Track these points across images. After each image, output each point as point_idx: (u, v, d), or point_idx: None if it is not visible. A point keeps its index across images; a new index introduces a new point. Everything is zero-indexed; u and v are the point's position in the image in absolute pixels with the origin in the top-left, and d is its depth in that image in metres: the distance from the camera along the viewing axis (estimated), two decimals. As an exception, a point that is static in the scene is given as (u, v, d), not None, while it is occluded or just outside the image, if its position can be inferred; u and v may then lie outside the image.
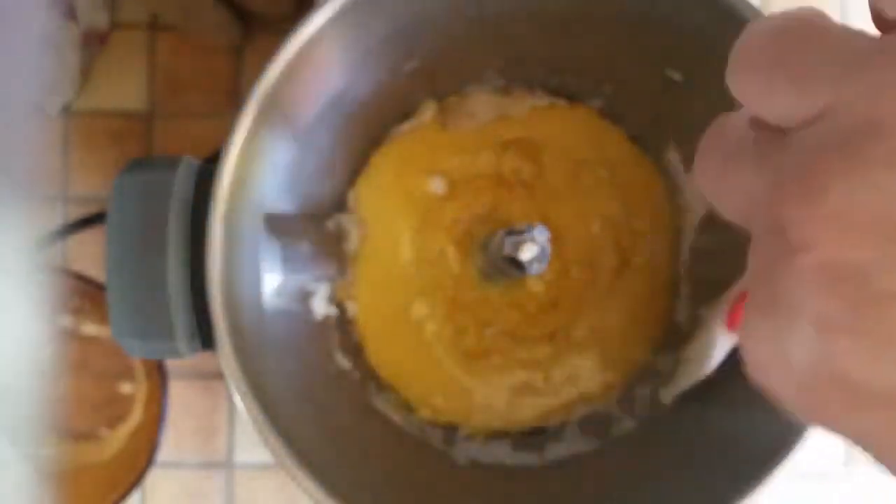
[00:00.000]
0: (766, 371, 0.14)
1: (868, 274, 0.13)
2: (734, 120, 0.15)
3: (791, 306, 0.13)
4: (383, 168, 0.36)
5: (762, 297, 0.14)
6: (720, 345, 0.29)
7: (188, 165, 0.27)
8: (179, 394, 0.38)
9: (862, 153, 0.12)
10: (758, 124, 0.14)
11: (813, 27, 0.13)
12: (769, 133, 0.14)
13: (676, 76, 0.32)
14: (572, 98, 0.36)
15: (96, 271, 0.36)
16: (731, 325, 0.27)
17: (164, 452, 0.36)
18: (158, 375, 0.35)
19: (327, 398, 0.33)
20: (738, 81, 0.14)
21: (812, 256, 0.13)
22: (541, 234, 0.31)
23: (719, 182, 0.15)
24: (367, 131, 0.35)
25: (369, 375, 0.36)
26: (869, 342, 0.13)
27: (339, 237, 0.36)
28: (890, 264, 0.12)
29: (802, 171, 0.13)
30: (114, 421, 0.38)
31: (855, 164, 0.12)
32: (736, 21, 0.28)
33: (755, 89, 0.14)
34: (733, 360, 0.29)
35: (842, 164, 0.12)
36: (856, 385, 0.13)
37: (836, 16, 0.41)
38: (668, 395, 0.34)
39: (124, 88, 0.39)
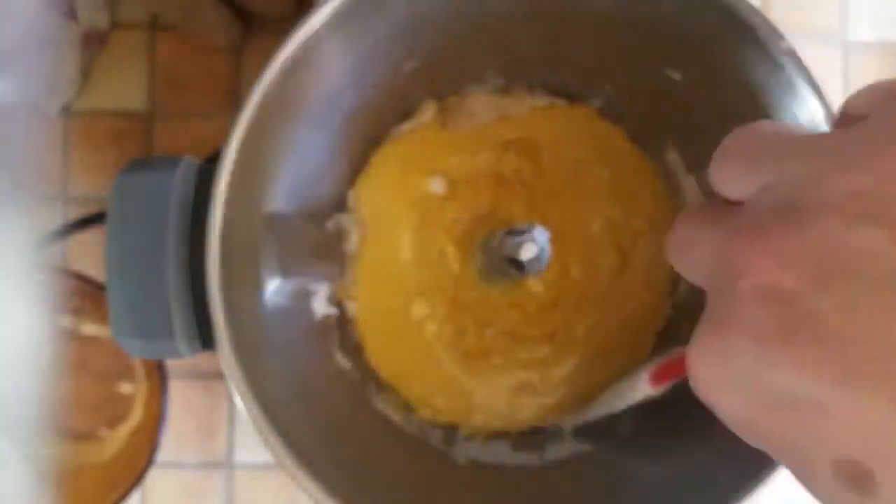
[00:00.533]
0: (713, 387, 0.18)
1: (796, 295, 0.16)
2: (698, 207, 0.20)
3: (734, 322, 0.17)
4: (383, 168, 0.36)
5: (711, 322, 0.18)
6: (632, 394, 0.30)
7: (188, 165, 0.27)
8: (179, 394, 0.38)
9: (794, 207, 0.16)
10: (720, 202, 0.19)
11: (757, 132, 0.19)
12: (729, 206, 0.19)
13: (676, 76, 0.32)
14: (572, 98, 0.36)
15: (96, 271, 0.36)
16: (654, 380, 0.29)
17: (164, 452, 0.36)
18: (158, 375, 0.35)
19: (327, 398, 0.33)
20: (712, 170, 0.19)
21: (751, 280, 0.16)
22: (541, 234, 0.31)
23: (687, 249, 0.20)
24: (367, 131, 0.35)
25: (369, 375, 0.36)
26: (795, 353, 0.16)
27: (339, 237, 0.36)
28: (813, 288, 0.16)
29: (749, 221, 0.17)
30: (114, 421, 0.38)
31: (788, 215, 0.16)
32: (736, 21, 0.28)
33: (722, 174, 0.19)
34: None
35: (778, 214, 0.17)
36: (781, 392, 0.16)
37: (835, 16, 0.41)
38: (570, 424, 0.35)
39: (124, 88, 0.39)
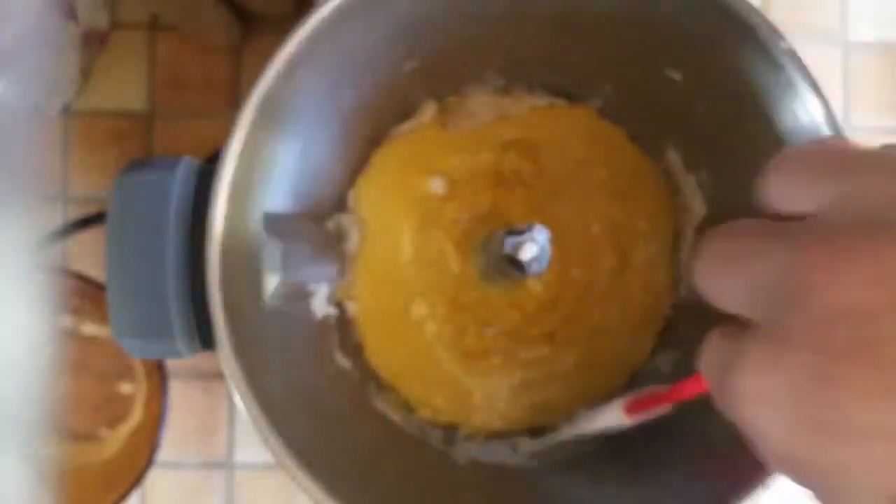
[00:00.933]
0: (754, 400, 0.16)
1: (880, 316, 0.15)
2: (743, 222, 0.18)
3: (800, 336, 0.15)
4: (383, 168, 0.36)
5: (768, 334, 0.16)
6: (603, 420, 0.30)
7: (188, 165, 0.27)
8: (179, 394, 0.38)
9: (886, 223, 0.15)
10: (773, 216, 0.18)
11: (824, 143, 0.18)
12: (789, 220, 0.17)
13: (676, 76, 0.32)
14: (572, 98, 0.36)
15: (96, 271, 0.36)
16: (630, 409, 0.29)
17: (164, 452, 0.36)
18: (158, 375, 0.35)
19: (327, 398, 0.33)
20: (768, 181, 0.18)
21: (831, 294, 0.15)
22: (541, 234, 0.31)
23: (734, 264, 0.18)
24: (367, 131, 0.35)
25: (369, 375, 0.36)
26: (870, 375, 0.15)
27: (339, 237, 0.36)
28: None
29: (828, 233, 0.16)
30: (114, 421, 0.38)
31: (878, 230, 0.15)
32: (736, 21, 0.28)
33: (782, 184, 0.18)
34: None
35: (865, 228, 0.15)
36: (848, 416, 0.15)
37: (835, 16, 0.41)
38: (526, 449, 0.35)
39: (124, 88, 0.39)
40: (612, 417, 0.30)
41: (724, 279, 0.18)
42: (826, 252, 0.16)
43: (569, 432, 0.33)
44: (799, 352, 0.15)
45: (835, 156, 0.17)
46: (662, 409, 0.28)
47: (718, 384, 0.18)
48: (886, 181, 0.16)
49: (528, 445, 0.35)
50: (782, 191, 0.18)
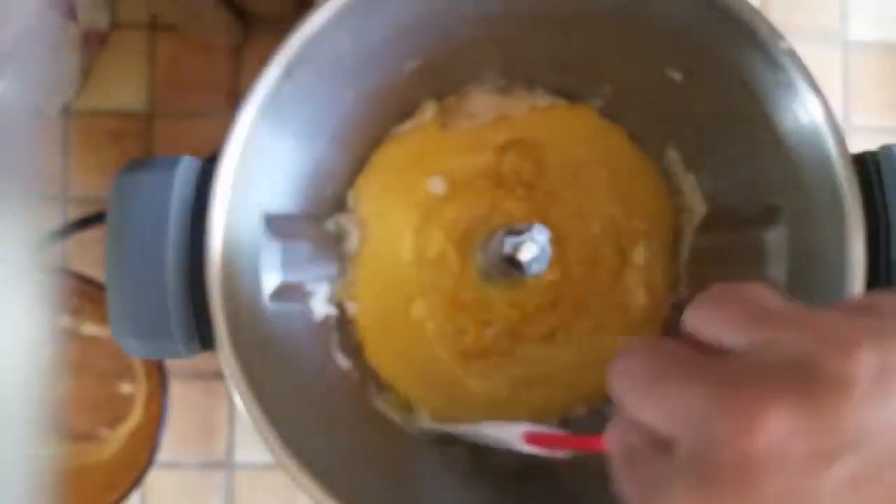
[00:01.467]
0: None
1: (806, 466, 0.16)
2: (664, 348, 0.19)
3: (734, 482, 0.16)
4: (383, 168, 0.36)
5: (699, 475, 0.17)
6: (501, 435, 0.30)
7: (188, 165, 0.27)
8: (179, 394, 0.38)
9: (817, 372, 0.16)
10: (692, 344, 0.19)
11: (755, 290, 0.18)
12: (711, 352, 0.18)
13: (676, 76, 0.32)
14: (572, 98, 0.36)
15: (96, 271, 0.36)
16: (527, 440, 0.29)
17: (164, 452, 0.36)
18: (158, 375, 0.35)
19: (327, 398, 0.33)
20: (700, 310, 0.19)
21: (760, 439, 0.16)
22: (540, 234, 0.31)
23: (652, 389, 0.18)
24: (367, 131, 0.35)
25: (369, 375, 0.36)
26: None
27: (339, 237, 0.36)
28: (829, 462, 0.16)
29: (752, 375, 0.17)
30: (114, 421, 0.38)
31: (810, 379, 0.16)
32: (736, 21, 0.28)
33: (713, 316, 0.19)
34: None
35: (794, 376, 0.16)
36: None
37: (835, 16, 0.41)
38: (432, 425, 0.35)
39: (124, 88, 0.39)
40: (510, 438, 0.30)
41: (643, 401, 0.19)
42: (752, 395, 0.16)
43: (472, 430, 0.33)
44: (727, 495, 0.16)
45: (759, 308, 0.18)
46: (561, 452, 0.29)
47: (633, 484, 0.19)
48: (806, 339, 0.17)
49: (427, 423, 0.35)
50: (706, 326, 0.19)
